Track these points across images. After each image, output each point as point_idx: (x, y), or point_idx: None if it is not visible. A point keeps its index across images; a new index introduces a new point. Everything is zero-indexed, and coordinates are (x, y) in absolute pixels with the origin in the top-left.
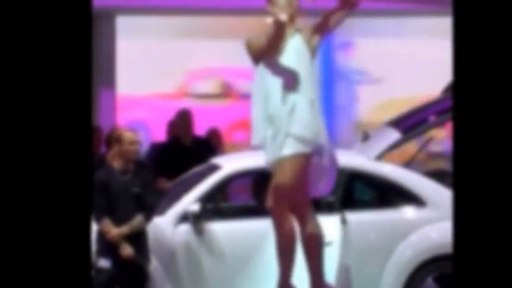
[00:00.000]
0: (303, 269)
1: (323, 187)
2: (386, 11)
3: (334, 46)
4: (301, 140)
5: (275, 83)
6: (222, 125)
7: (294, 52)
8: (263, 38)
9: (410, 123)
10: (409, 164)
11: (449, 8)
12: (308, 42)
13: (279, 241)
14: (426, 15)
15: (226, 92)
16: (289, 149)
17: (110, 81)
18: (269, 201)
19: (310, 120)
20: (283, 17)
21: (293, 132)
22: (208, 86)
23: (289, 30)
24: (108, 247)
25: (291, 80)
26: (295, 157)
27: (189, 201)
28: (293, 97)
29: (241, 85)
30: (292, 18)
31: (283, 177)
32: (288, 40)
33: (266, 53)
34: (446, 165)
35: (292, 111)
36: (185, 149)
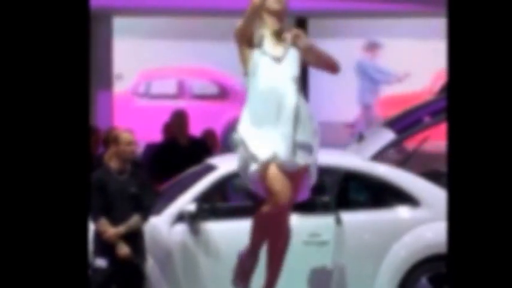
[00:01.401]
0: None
1: (305, 192)
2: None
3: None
4: (310, 149)
5: (279, 85)
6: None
7: (293, 59)
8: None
9: (405, 124)
10: (403, 164)
11: (443, 9)
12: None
13: (281, 246)
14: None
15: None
16: (306, 159)
17: (107, 81)
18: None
19: (311, 126)
20: None
21: (303, 141)
22: (205, 86)
23: (286, 43)
24: (105, 247)
25: (291, 85)
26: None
27: (186, 201)
28: (295, 100)
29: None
30: (280, 17)
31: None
32: (287, 49)
33: (247, 26)
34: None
35: (296, 116)
36: (181, 150)
